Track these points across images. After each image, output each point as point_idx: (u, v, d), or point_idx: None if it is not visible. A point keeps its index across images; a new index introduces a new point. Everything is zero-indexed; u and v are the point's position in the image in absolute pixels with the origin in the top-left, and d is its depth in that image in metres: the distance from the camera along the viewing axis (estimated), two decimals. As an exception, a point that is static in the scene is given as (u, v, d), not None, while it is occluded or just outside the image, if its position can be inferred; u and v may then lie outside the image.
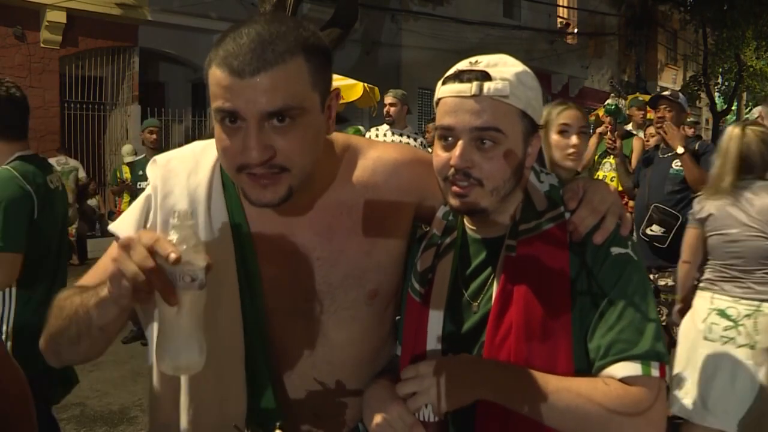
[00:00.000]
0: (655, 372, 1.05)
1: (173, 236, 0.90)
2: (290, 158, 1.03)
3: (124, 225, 1.21)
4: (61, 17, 10.16)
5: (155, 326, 1.10)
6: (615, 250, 1.12)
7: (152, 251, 0.88)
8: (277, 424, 0.98)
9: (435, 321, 1.19)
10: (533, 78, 1.16)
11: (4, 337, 2.28)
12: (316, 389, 1.23)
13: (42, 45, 10.20)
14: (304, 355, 1.22)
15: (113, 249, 1.21)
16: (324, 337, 1.22)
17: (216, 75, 1.01)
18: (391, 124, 5.43)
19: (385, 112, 5.46)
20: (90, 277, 1.21)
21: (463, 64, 1.15)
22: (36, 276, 2.34)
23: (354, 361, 1.25)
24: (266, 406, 1.17)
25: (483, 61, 1.13)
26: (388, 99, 5.45)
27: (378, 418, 1.12)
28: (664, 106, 4.24)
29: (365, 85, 8.20)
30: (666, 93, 4.37)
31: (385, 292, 1.25)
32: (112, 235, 1.28)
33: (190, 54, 11.74)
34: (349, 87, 7.89)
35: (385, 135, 5.38)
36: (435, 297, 1.20)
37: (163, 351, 0.95)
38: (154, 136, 6.15)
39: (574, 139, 2.48)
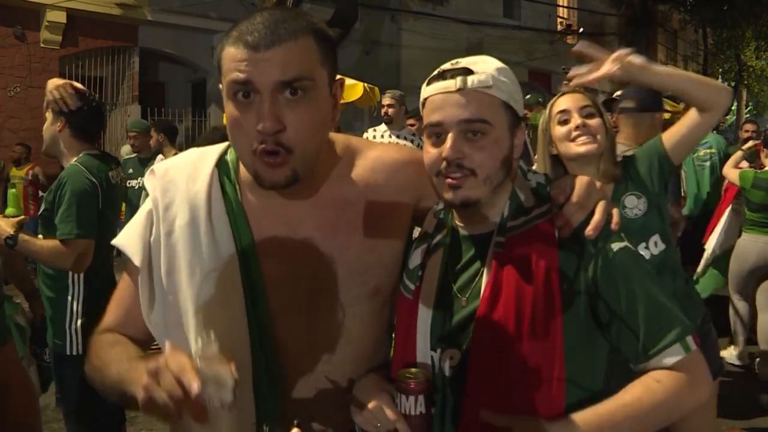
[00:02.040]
0: (692, 345, 1.13)
1: (200, 365, 0.92)
2: (297, 136, 1.06)
3: (128, 240, 1.22)
4: (61, 17, 10.16)
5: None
6: (616, 245, 1.15)
7: (179, 379, 0.90)
8: (295, 422, 0.99)
9: (424, 316, 1.21)
10: (511, 73, 1.20)
11: (75, 316, 2.55)
12: (315, 388, 1.23)
13: (42, 45, 10.20)
14: (305, 353, 1.22)
15: (126, 280, 1.26)
16: (325, 335, 1.22)
17: (230, 52, 1.06)
18: (389, 124, 5.43)
19: (383, 113, 5.46)
20: (113, 313, 1.27)
21: (444, 66, 1.19)
22: (103, 261, 2.62)
23: (353, 360, 1.25)
24: (270, 411, 1.18)
25: (463, 61, 1.17)
26: (386, 100, 5.44)
27: (362, 411, 1.14)
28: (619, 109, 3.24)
29: (365, 85, 8.20)
30: (617, 94, 3.32)
31: (385, 289, 1.26)
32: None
33: (190, 54, 11.74)
34: (349, 87, 7.88)
35: (382, 136, 5.38)
36: (425, 293, 1.22)
37: None
38: (133, 141, 6.28)
39: (575, 119, 2.14)
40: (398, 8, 14.51)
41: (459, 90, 1.13)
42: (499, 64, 1.18)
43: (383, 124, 5.48)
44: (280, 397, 1.20)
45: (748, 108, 25.49)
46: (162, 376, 0.91)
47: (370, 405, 1.13)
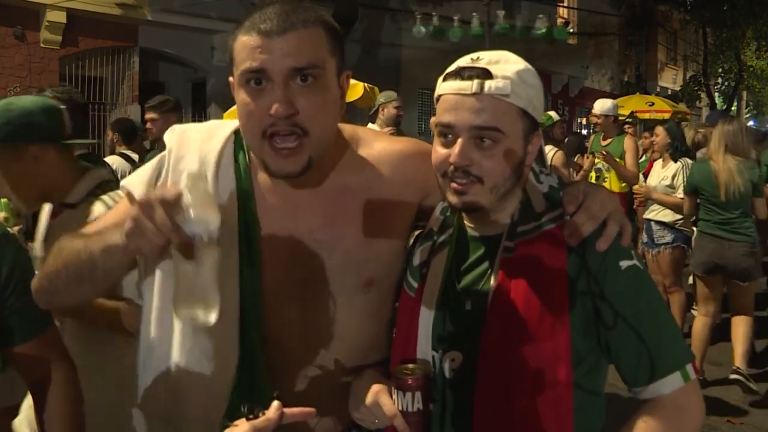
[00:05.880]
0: (692, 374, 1.10)
1: (186, 196, 0.96)
2: (311, 120, 1.08)
3: (136, 182, 1.25)
4: (61, 17, 10.14)
5: (156, 281, 1.18)
6: (624, 263, 1.11)
7: (168, 209, 0.93)
8: (275, 394, 0.97)
9: (426, 314, 1.19)
10: (535, 75, 1.15)
11: None
12: (308, 379, 1.23)
13: (42, 45, 10.18)
14: (297, 342, 1.22)
15: (124, 204, 1.28)
16: (318, 324, 1.22)
17: (243, 40, 1.08)
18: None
19: (397, 116, 5.45)
20: (97, 226, 1.25)
21: (464, 61, 1.14)
22: None
23: (346, 354, 1.25)
24: (256, 384, 1.18)
25: (485, 58, 1.13)
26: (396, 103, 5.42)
27: (360, 407, 1.13)
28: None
29: (365, 85, 8.18)
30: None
31: (381, 284, 1.25)
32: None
33: (190, 54, 11.72)
34: (349, 87, 7.87)
35: None
36: (428, 291, 1.21)
37: (181, 303, 1.06)
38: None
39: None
40: (398, 8, 14.48)
41: (474, 94, 1.09)
42: (521, 65, 1.13)
43: (369, 124, 5.46)
44: (273, 388, 1.20)
45: (749, 108, 25.47)
46: (154, 208, 0.94)
47: (368, 401, 1.12)
